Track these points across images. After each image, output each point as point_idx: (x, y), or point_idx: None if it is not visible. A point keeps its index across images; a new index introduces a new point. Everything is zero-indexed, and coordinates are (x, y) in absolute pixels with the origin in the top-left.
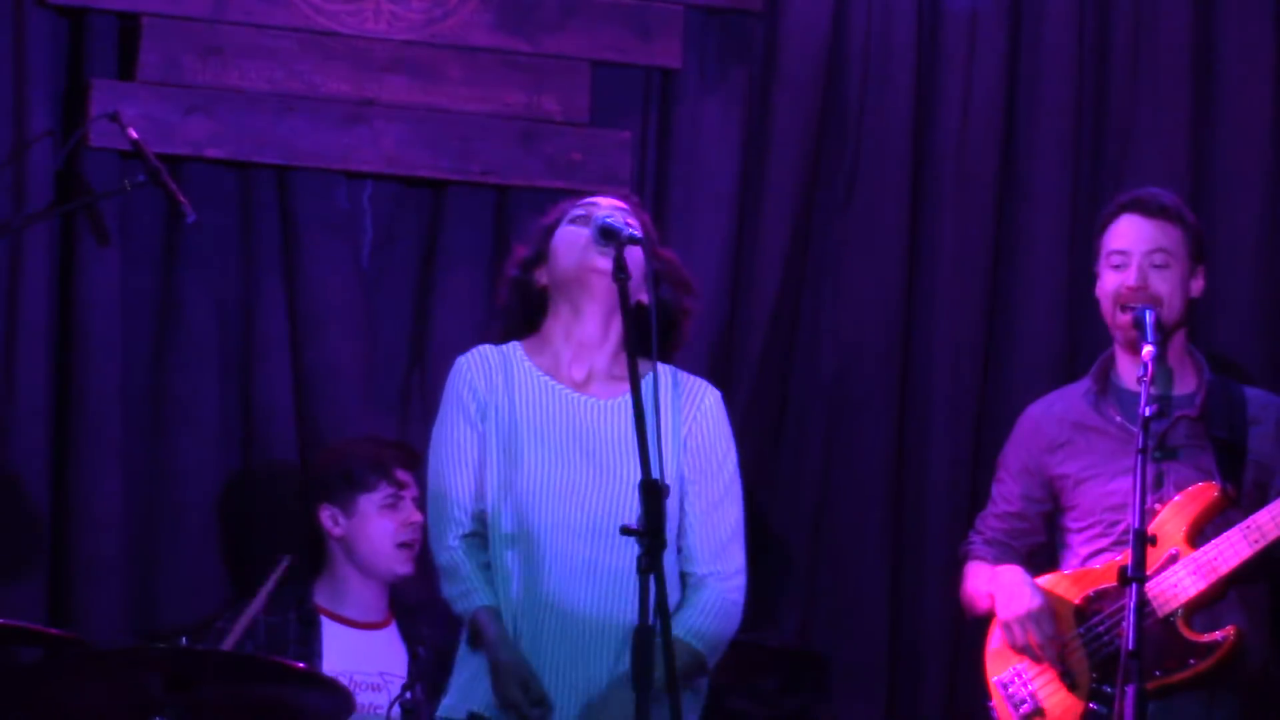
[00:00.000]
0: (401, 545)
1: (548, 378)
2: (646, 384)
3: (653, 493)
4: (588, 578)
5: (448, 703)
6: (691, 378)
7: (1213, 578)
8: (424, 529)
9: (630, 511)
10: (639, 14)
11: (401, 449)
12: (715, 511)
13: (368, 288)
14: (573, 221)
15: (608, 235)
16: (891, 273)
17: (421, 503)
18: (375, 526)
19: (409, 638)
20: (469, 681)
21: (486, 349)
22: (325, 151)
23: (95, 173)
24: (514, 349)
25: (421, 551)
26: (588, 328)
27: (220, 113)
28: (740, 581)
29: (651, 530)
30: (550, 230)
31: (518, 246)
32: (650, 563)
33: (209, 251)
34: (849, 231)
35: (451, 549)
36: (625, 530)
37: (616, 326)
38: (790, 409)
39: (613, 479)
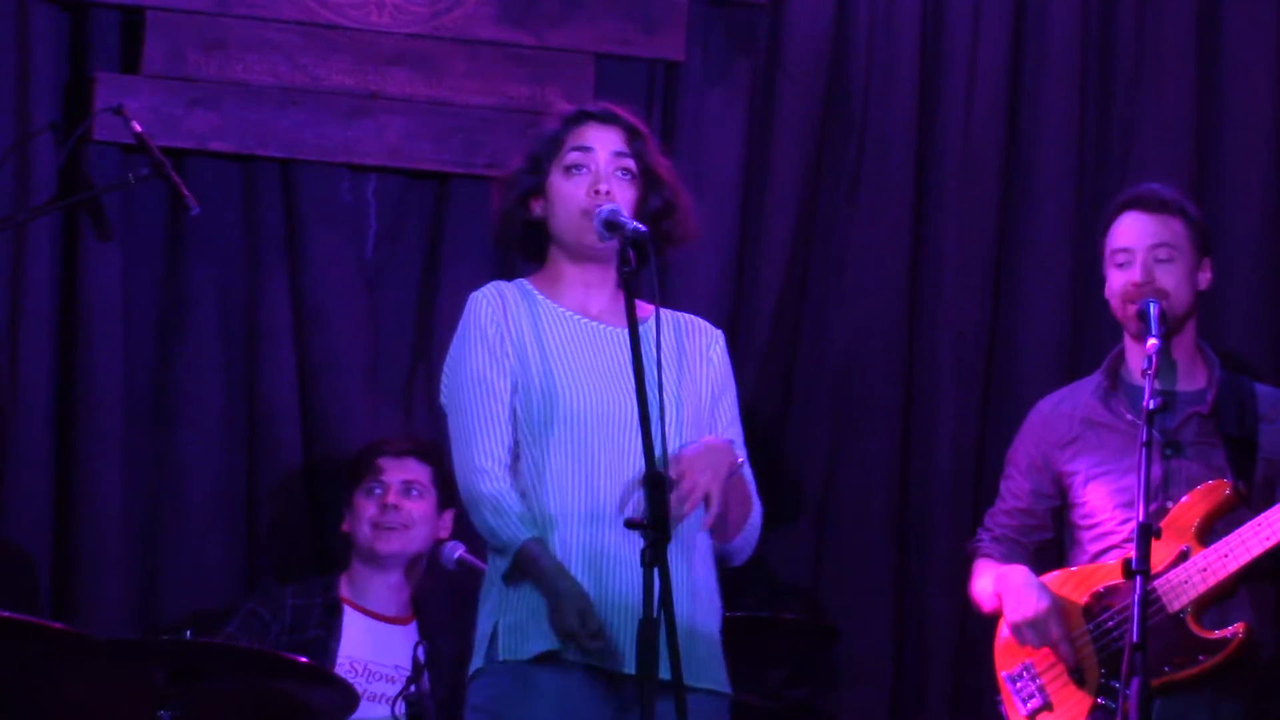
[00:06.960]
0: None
1: (563, 309)
2: (648, 331)
3: (657, 486)
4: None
5: (504, 643)
6: (695, 320)
7: (1222, 574)
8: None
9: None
10: (642, 6)
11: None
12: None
13: (371, 281)
14: (568, 172)
15: (611, 229)
16: (896, 263)
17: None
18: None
19: (427, 638)
20: (526, 621)
21: (501, 284)
22: (329, 144)
23: (99, 166)
24: (523, 284)
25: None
26: (590, 275)
27: (224, 106)
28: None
29: (656, 523)
30: (545, 159)
31: (511, 172)
32: (654, 555)
33: (212, 245)
34: (853, 222)
35: (496, 477)
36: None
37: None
38: (796, 399)
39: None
